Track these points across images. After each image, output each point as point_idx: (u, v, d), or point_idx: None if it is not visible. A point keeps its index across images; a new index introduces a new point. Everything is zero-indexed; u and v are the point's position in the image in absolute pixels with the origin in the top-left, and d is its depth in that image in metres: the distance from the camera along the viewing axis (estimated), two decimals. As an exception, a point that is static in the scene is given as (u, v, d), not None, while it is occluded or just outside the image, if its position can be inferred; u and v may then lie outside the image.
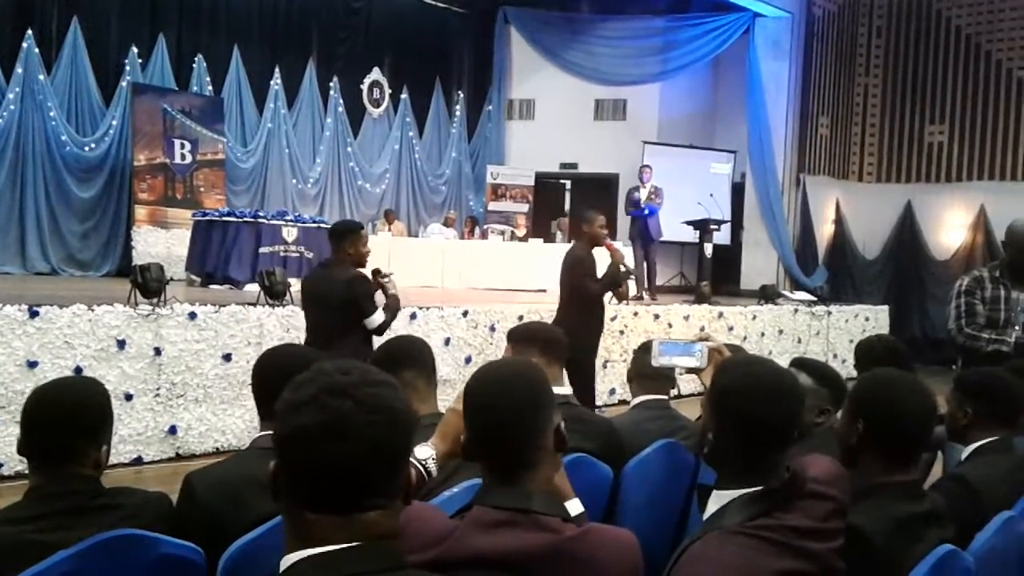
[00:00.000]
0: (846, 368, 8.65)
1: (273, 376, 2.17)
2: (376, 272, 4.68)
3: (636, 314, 8.67)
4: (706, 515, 1.69)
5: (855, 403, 2.04)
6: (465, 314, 7.26)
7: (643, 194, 10.59)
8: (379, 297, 4.67)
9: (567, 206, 14.75)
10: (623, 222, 13.56)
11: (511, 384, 1.58)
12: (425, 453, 1.84)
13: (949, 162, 13.37)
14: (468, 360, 7.23)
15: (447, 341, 7.08)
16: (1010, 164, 12.80)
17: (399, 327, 5.27)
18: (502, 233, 12.98)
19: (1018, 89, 12.73)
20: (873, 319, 11.82)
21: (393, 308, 4.65)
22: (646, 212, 10.45)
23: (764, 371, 1.74)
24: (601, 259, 5.94)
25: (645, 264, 10.45)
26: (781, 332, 10.37)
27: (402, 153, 14.18)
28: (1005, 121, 12.85)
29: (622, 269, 5.87)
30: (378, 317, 4.54)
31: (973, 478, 2.34)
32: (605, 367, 8.31)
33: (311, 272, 4.81)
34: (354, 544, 1.11)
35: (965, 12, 13.21)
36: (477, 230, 13.37)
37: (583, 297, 5.77)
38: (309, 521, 1.11)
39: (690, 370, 2.27)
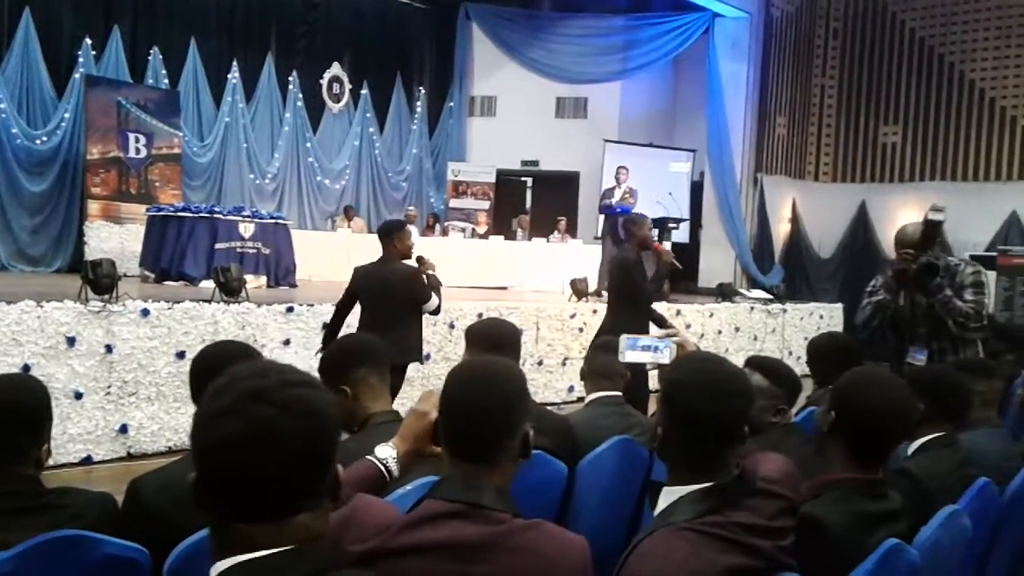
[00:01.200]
0: (800, 365, 8.75)
1: (203, 373, 2.15)
2: (420, 259, 5.29)
3: (596, 312, 8.70)
4: (656, 511, 1.70)
5: (833, 393, 2.10)
6: (424, 311, 7.22)
7: (618, 195, 10.90)
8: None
9: (528, 203, 14.77)
10: (584, 220, 13.67)
11: (491, 384, 1.60)
12: (385, 453, 1.84)
13: (903, 163, 13.63)
14: (427, 357, 7.20)
15: (406, 338, 7.04)
16: (961, 165, 13.08)
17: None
18: (463, 230, 12.96)
19: (970, 91, 13.02)
20: (827, 317, 12.00)
21: (438, 289, 5.29)
22: (618, 211, 10.63)
23: (714, 368, 1.76)
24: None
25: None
26: (738, 330, 10.49)
27: (362, 149, 14.04)
28: (957, 123, 13.14)
29: (673, 269, 5.98)
30: (434, 301, 5.20)
31: (919, 472, 2.39)
32: (564, 364, 8.35)
33: (369, 266, 5.28)
34: (287, 548, 1.08)
35: (919, 16, 13.48)
36: (438, 227, 13.32)
37: (642, 301, 5.78)
38: (238, 530, 1.07)
39: (658, 366, 2.28)
